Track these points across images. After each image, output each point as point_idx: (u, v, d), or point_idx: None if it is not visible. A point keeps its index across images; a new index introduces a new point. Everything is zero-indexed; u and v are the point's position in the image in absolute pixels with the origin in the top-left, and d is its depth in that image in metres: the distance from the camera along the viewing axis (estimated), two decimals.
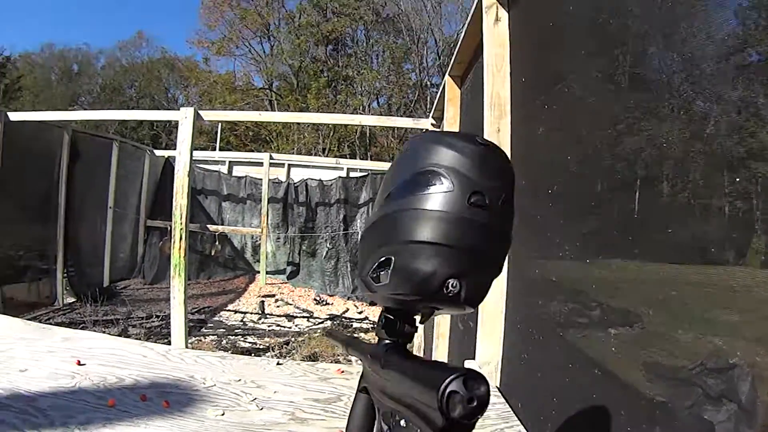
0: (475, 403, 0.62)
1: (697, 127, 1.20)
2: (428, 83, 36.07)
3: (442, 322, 4.71)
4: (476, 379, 0.64)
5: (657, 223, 1.33)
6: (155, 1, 69.01)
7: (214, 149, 20.12)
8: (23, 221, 9.96)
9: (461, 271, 0.77)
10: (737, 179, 1.06)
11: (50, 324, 6.18)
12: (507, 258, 0.87)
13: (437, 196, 0.78)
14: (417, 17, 36.83)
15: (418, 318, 0.93)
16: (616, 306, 1.61)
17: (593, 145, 1.83)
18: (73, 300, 11.33)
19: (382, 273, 0.84)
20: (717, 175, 1.12)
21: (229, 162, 15.94)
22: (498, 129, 2.81)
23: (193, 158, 7.34)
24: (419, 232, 0.79)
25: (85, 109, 37.66)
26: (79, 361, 2.43)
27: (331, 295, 14.08)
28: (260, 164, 14.88)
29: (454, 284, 0.76)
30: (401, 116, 30.76)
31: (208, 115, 8.13)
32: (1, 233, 8.83)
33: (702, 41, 1.21)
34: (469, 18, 3.65)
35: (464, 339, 3.62)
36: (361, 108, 36.20)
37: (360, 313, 12.60)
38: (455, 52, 4.53)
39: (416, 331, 0.91)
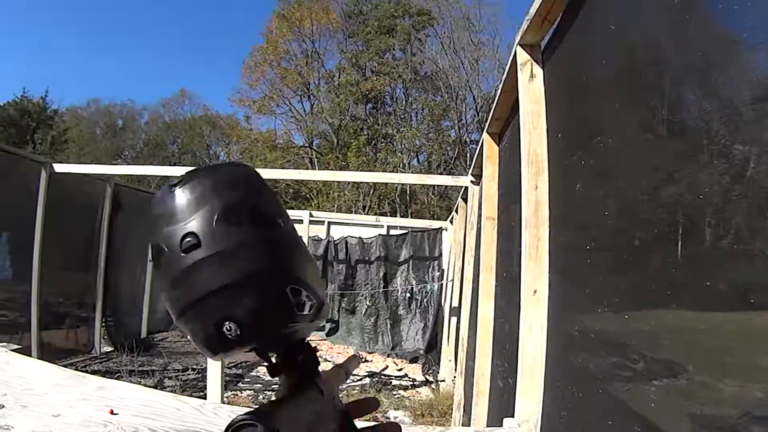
0: None
1: (737, 171, 1.18)
2: (467, 140, 36.41)
3: (481, 380, 4.65)
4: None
5: (698, 271, 1.31)
6: (198, 60, 71.11)
7: None
8: (64, 269, 10.24)
9: (224, 313, 0.73)
10: None
11: (86, 372, 6.25)
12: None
13: (164, 266, 0.75)
14: (455, 74, 37.35)
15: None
16: (657, 358, 1.58)
17: (632, 197, 1.81)
18: (110, 349, 11.53)
19: None
20: (760, 218, 1.10)
21: None
22: (536, 186, 2.80)
23: None
24: (175, 307, 0.76)
25: (128, 164, 38.83)
26: (112, 411, 2.43)
27: (370, 353, 14.01)
28: (300, 222, 15.01)
29: (229, 327, 0.73)
30: (441, 173, 30.95)
31: None
32: (42, 280, 8.98)
33: (738, 85, 1.20)
34: (504, 75, 3.69)
35: (503, 396, 3.57)
36: (401, 165, 36.49)
37: (400, 370, 12.51)
38: (492, 110, 4.56)
39: (278, 370, 0.85)
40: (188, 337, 0.78)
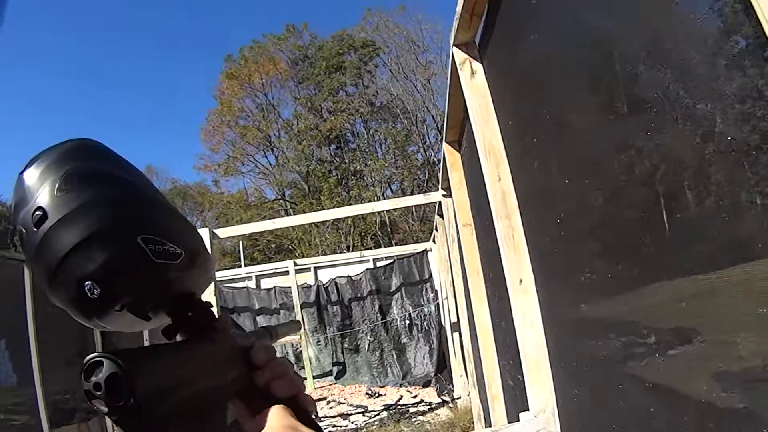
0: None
1: (706, 129, 1.19)
2: (435, 160, 36.45)
3: (493, 384, 4.63)
4: (86, 369, 0.64)
5: (689, 234, 1.30)
6: (158, 134, 71.19)
7: (240, 267, 20.34)
8: (65, 365, 10.14)
9: (81, 273, 0.74)
10: (759, 169, 1.04)
11: None
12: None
13: (25, 247, 0.78)
14: (410, 98, 37.66)
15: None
16: (647, 324, 1.58)
17: (593, 167, 1.82)
18: None
19: None
20: (739, 169, 1.10)
21: (256, 276, 16.04)
22: (498, 177, 2.82)
23: (220, 278, 7.42)
24: (43, 282, 0.77)
25: None
26: None
27: (382, 386, 13.94)
28: (286, 273, 14.97)
29: (89, 287, 0.74)
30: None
31: (223, 233, 8.27)
32: (45, 379, 8.98)
33: (687, 45, 1.21)
34: (449, 81, 3.72)
35: (516, 394, 3.56)
36: (375, 198, 36.45)
37: (414, 397, 12.49)
38: (446, 119, 4.60)
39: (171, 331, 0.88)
40: (61, 306, 0.78)
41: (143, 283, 0.80)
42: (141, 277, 0.79)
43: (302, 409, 0.89)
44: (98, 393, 0.63)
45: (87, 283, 0.74)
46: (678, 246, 1.34)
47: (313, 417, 0.91)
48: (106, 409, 0.63)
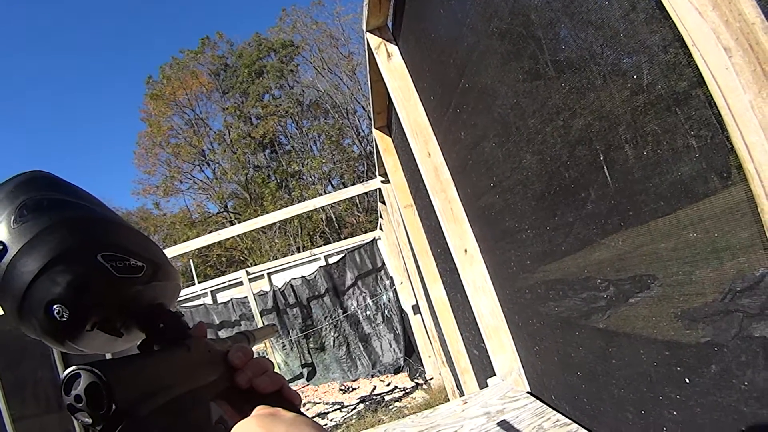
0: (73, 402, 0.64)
1: (634, 82, 1.21)
2: (371, 149, 36.43)
3: (460, 358, 4.67)
4: (65, 384, 0.65)
5: (632, 184, 1.32)
6: (91, 164, 69.65)
7: (194, 285, 20.02)
8: (40, 414, 9.86)
9: (48, 298, 0.75)
10: (691, 113, 1.06)
11: None
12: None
13: None
14: (337, 92, 37.54)
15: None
16: (600, 275, 1.60)
17: (534, 131, 1.84)
18: None
19: None
20: (671, 116, 1.12)
21: (211, 292, 15.78)
22: (428, 153, 2.85)
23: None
24: (12, 315, 0.77)
25: None
26: None
27: (354, 380, 13.91)
28: (240, 283, 14.81)
29: (58, 310, 0.74)
30: None
31: (170, 252, 8.18)
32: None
33: (605, 3, 1.23)
34: (368, 67, 3.73)
35: (483, 362, 3.59)
36: (318, 196, 36.36)
37: (388, 385, 12.49)
38: (371, 105, 4.61)
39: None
40: (34, 336, 0.79)
41: (109, 300, 0.80)
42: (106, 294, 0.79)
43: (288, 402, 0.91)
44: (80, 405, 0.64)
45: (55, 306, 0.74)
46: (623, 197, 1.36)
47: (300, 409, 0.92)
48: (90, 420, 0.64)
